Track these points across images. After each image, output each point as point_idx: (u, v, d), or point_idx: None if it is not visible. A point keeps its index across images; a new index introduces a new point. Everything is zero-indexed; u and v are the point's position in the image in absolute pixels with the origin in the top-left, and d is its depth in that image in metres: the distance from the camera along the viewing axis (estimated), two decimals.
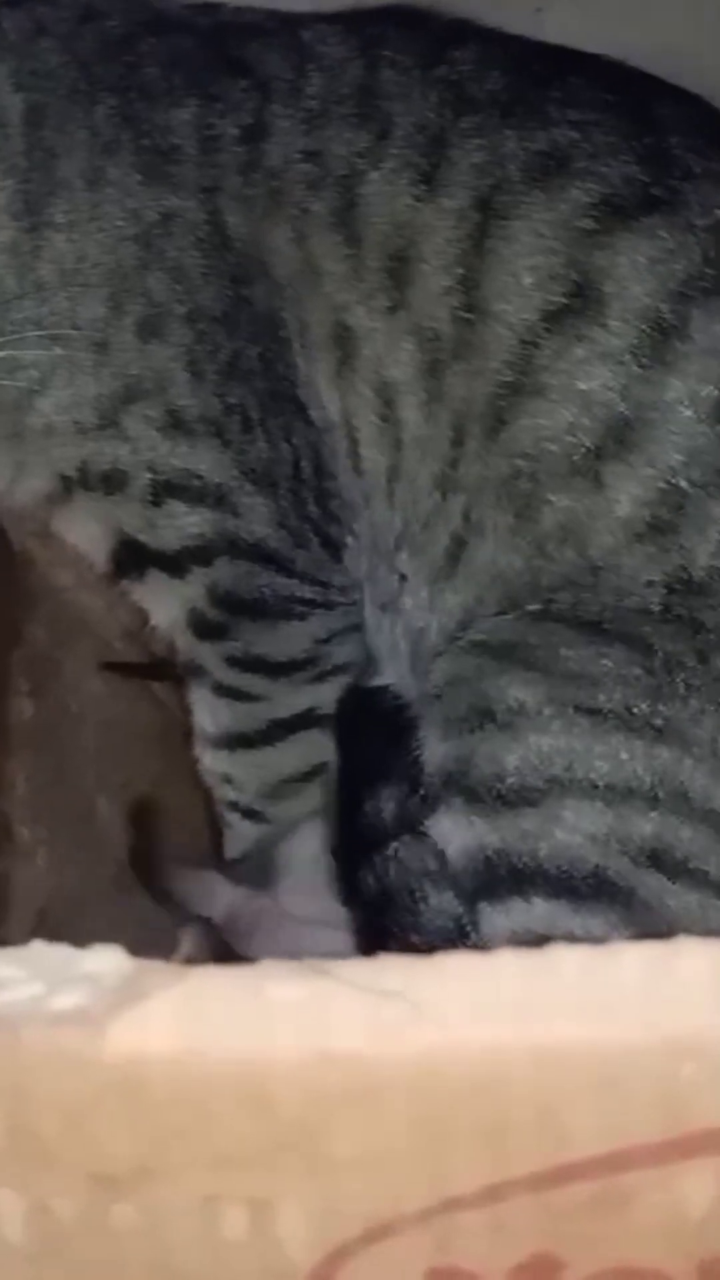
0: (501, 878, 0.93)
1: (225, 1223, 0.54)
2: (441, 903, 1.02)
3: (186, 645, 1.10)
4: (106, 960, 0.52)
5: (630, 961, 0.51)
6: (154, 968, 0.52)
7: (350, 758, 1.09)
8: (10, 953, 0.52)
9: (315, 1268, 0.55)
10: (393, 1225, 0.54)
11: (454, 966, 0.52)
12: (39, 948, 0.53)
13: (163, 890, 1.11)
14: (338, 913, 1.08)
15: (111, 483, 1.07)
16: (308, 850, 1.12)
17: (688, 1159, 0.52)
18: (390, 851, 1.05)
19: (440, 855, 0.98)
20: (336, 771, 1.10)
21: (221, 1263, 0.55)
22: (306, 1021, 0.51)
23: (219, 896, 1.11)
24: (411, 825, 1.02)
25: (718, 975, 0.51)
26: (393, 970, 0.52)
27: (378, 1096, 0.52)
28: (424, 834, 0.99)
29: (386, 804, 1.05)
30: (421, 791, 0.98)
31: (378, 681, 1.11)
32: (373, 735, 1.07)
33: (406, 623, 1.07)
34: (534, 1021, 0.51)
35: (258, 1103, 0.52)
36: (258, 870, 1.12)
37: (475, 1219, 0.53)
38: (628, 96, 1.05)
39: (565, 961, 0.51)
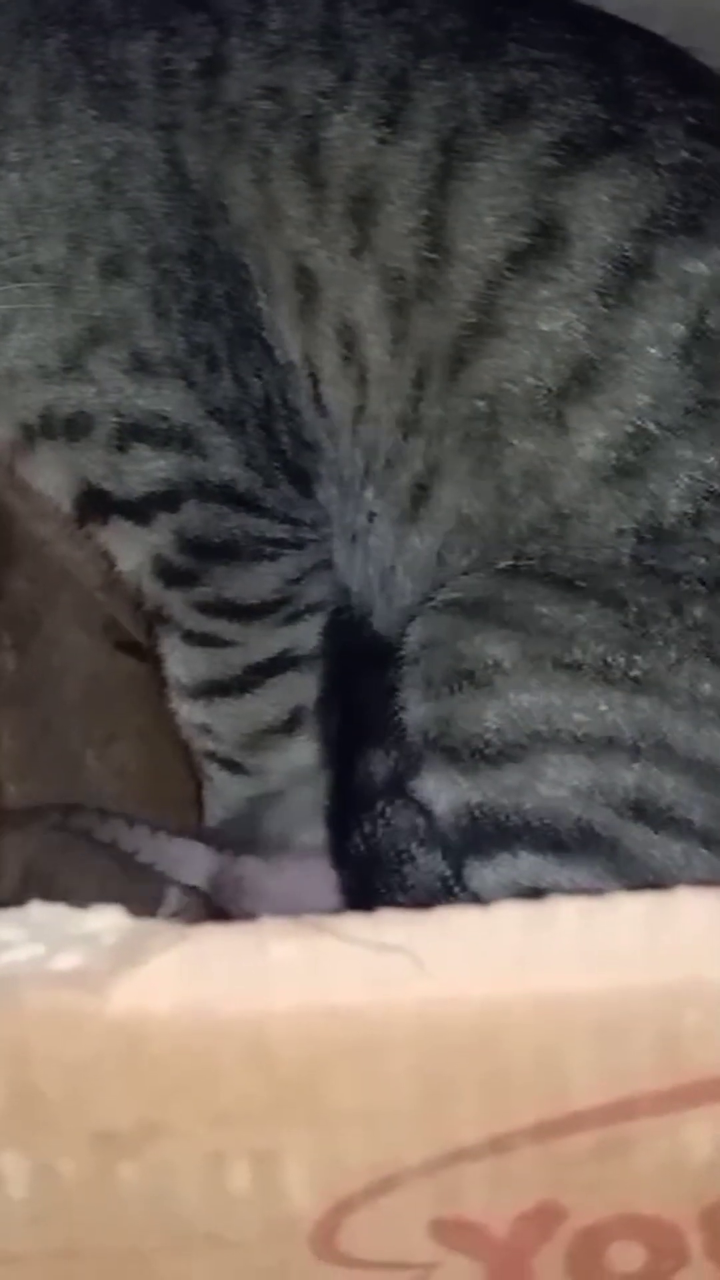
0: (487, 833, 0.93)
1: (230, 1178, 0.55)
2: (429, 863, 1.02)
3: (153, 592, 1.09)
4: (106, 920, 0.52)
5: (630, 911, 0.51)
6: (154, 927, 0.52)
7: (347, 718, 1.09)
8: (9, 914, 0.52)
9: (320, 1220, 0.55)
10: (396, 1177, 0.54)
11: (454, 919, 0.52)
12: (38, 909, 0.52)
13: (138, 862, 1.10)
14: (327, 875, 1.08)
15: (75, 428, 1.06)
16: (296, 814, 1.11)
17: (690, 1107, 0.52)
18: (378, 813, 1.05)
19: (427, 816, 0.98)
20: (333, 732, 1.09)
21: (226, 1218, 0.56)
22: (308, 977, 0.51)
23: (199, 862, 1.10)
24: (401, 786, 1.02)
25: (717, 923, 0.51)
26: (393, 924, 0.52)
27: (380, 1050, 0.52)
28: (412, 795, 0.99)
29: (378, 765, 1.05)
30: (406, 752, 0.97)
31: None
32: (368, 694, 1.07)
33: (374, 560, 1.07)
34: (535, 972, 0.51)
35: (260, 1058, 0.52)
36: (243, 834, 1.12)
37: (479, 1170, 0.54)
38: (587, 36, 1.04)
39: (565, 912, 0.52)
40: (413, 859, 1.04)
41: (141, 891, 1.02)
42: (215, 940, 0.52)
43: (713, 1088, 0.52)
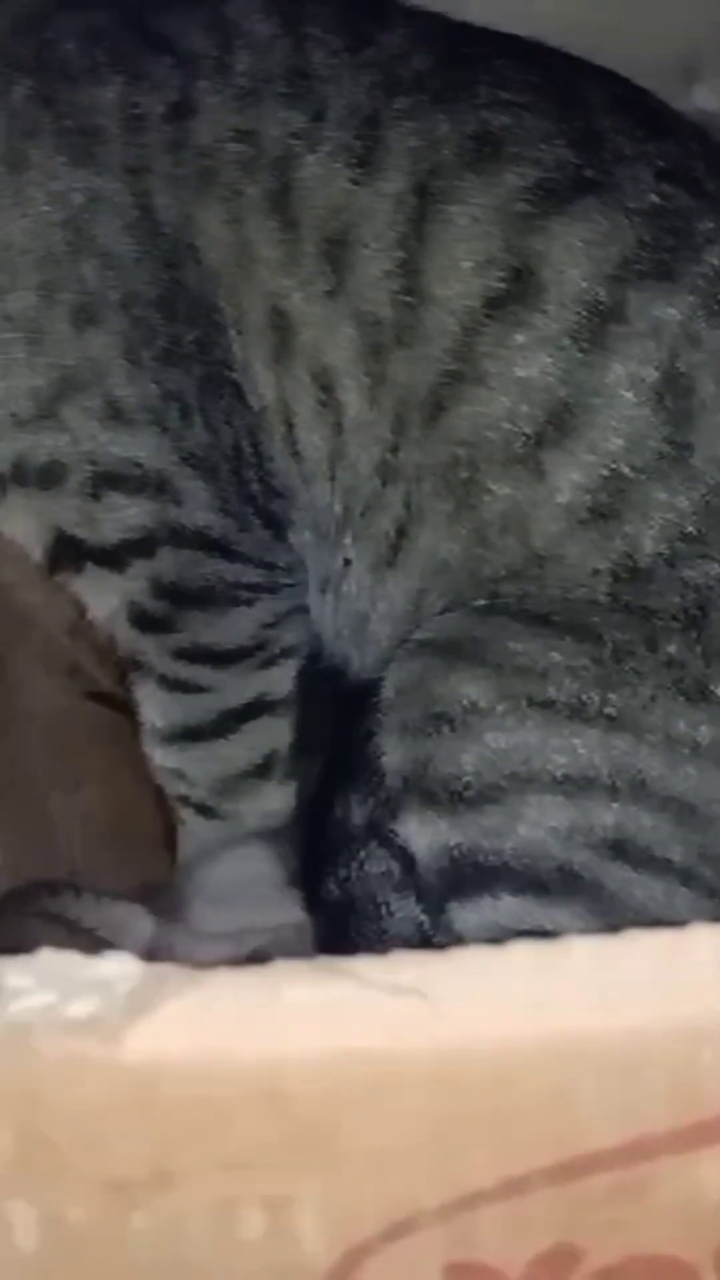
0: (468, 875, 0.94)
1: (242, 1225, 0.54)
2: (404, 909, 1.02)
3: (127, 638, 1.09)
4: (118, 966, 0.52)
5: (642, 950, 0.51)
6: (167, 972, 0.52)
7: (325, 762, 1.08)
8: (20, 961, 0.52)
9: (333, 1267, 0.55)
10: (411, 1222, 0.54)
11: (467, 960, 0.52)
12: (48, 955, 0.52)
13: (74, 924, 1.08)
14: (262, 917, 1.07)
15: (49, 476, 1.05)
16: (224, 871, 1.10)
17: (705, 1146, 0.52)
18: (354, 857, 1.04)
19: (403, 862, 0.98)
20: (310, 776, 1.09)
21: (238, 1265, 0.55)
22: (322, 1020, 0.51)
23: (136, 930, 1.09)
24: (378, 832, 1.02)
25: None
26: (407, 966, 0.52)
27: (395, 1093, 0.52)
28: (391, 840, 0.99)
29: (355, 809, 1.05)
30: (385, 796, 0.97)
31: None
32: (345, 739, 1.07)
33: (349, 606, 1.07)
34: (547, 1012, 0.51)
35: (275, 1103, 0.52)
36: (168, 901, 1.11)
37: (494, 1212, 0.54)
38: (555, 78, 1.05)
39: (577, 952, 0.52)
40: (388, 905, 1.04)
41: None
42: (228, 985, 0.52)
43: None
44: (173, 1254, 0.55)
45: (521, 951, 0.52)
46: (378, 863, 1.04)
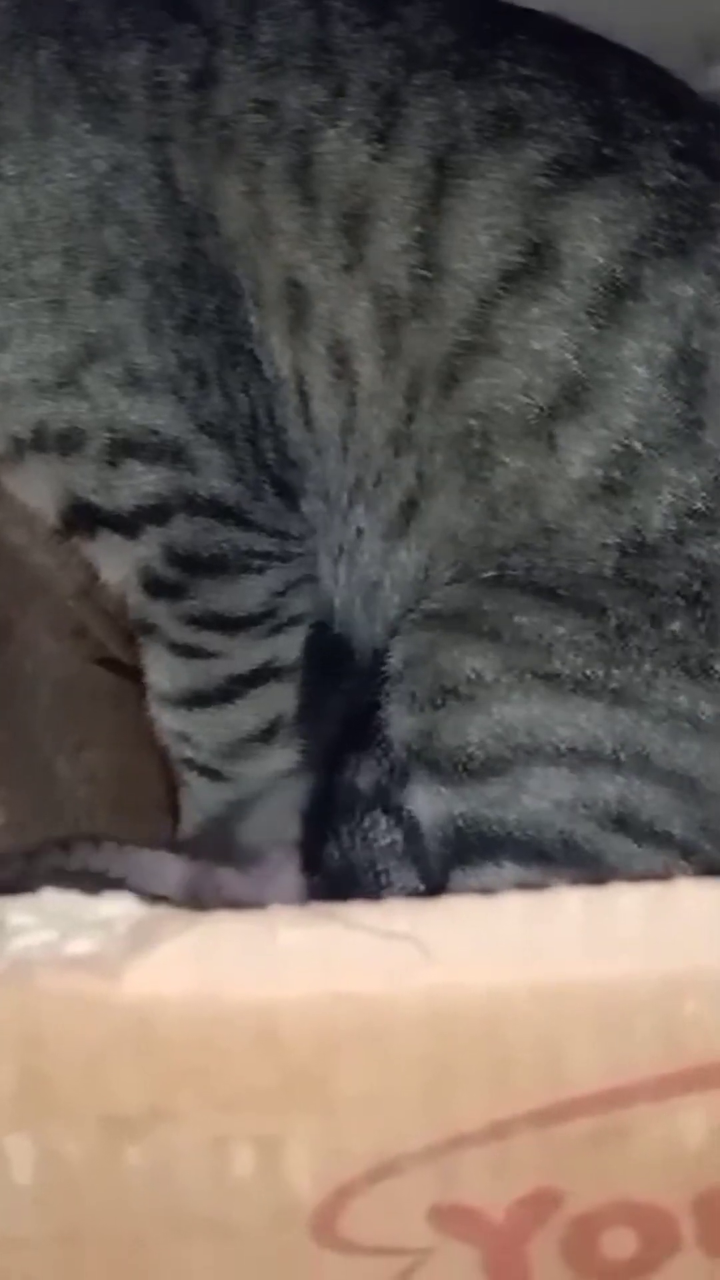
0: (472, 845, 0.94)
1: (233, 1164, 0.55)
2: (404, 880, 1.03)
3: (138, 604, 1.10)
4: (119, 906, 0.53)
5: (631, 902, 0.52)
6: (166, 913, 0.53)
7: (345, 727, 1.09)
8: (23, 900, 0.53)
9: (320, 1206, 0.56)
10: (397, 1163, 0.55)
11: (460, 908, 0.53)
12: (50, 895, 0.53)
13: (109, 879, 1.09)
14: (298, 885, 1.08)
15: (67, 443, 1.06)
16: (269, 823, 1.11)
17: (687, 1094, 0.54)
18: (357, 824, 1.05)
19: (406, 833, 0.99)
20: (320, 740, 1.10)
21: (228, 1203, 0.56)
22: (317, 963, 0.52)
23: (171, 872, 1.10)
24: (384, 799, 1.02)
25: (715, 914, 0.52)
26: (401, 913, 0.53)
27: (385, 1036, 0.53)
28: (397, 811, 0.99)
29: (364, 774, 1.05)
30: (390, 766, 0.98)
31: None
32: (354, 705, 1.07)
33: (360, 575, 1.08)
34: (537, 961, 0.52)
35: (268, 1044, 0.53)
36: (216, 842, 1.12)
37: (479, 1155, 0.55)
38: (575, 55, 1.06)
39: (568, 902, 0.53)
40: (388, 874, 1.05)
41: None
42: (226, 927, 0.53)
43: (710, 1075, 0.53)
44: (166, 1190, 0.56)
45: (513, 901, 0.53)
46: (382, 832, 1.05)
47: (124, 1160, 0.55)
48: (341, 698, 1.11)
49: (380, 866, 1.05)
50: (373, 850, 1.05)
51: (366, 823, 1.06)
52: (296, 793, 1.11)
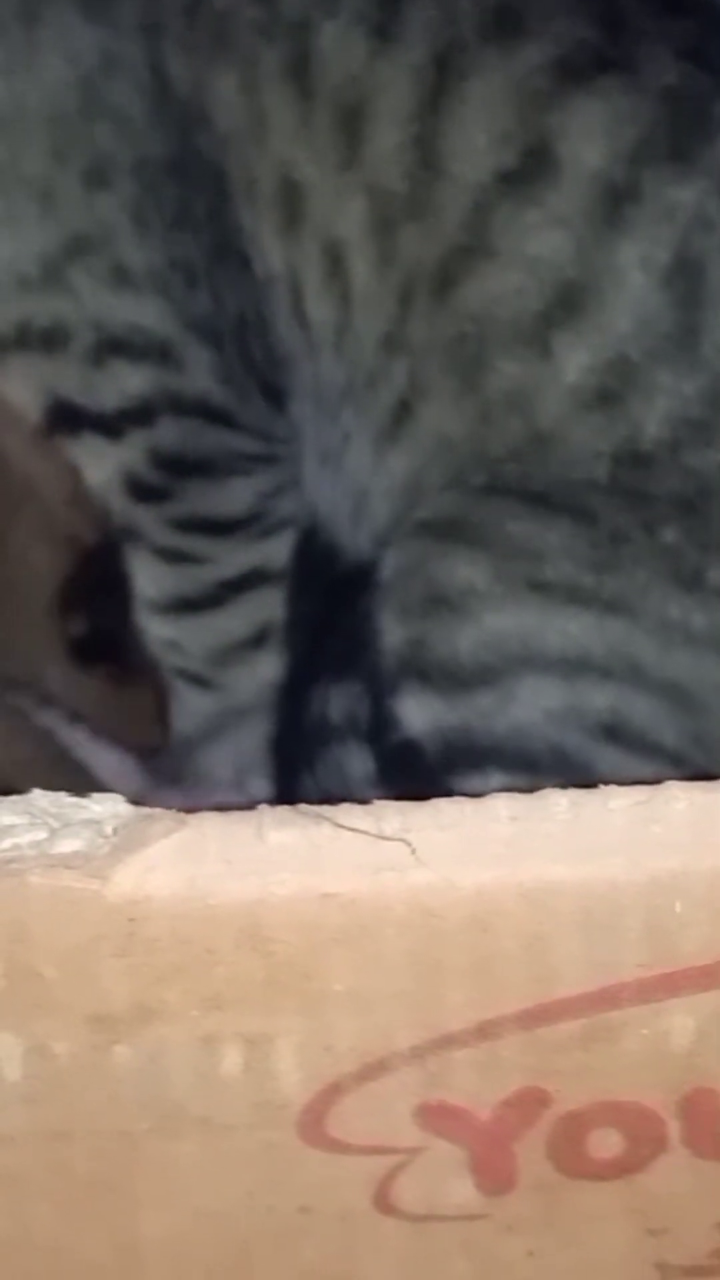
0: (461, 754, 0.94)
1: (221, 1062, 0.56)
2: None
3: (123, 509, 1.08)
4: (108, 806, 0.53)
5: (620, 803, 0.52)
6: (155, 814, 0.53)
7: (310, 649, 1.08)
8: (12, 800, 0.53)
9: (308, 1104, 0.57)
10: (385, 1062, 0.55)
11: (448, 809, 0.53)
12: (40, 795, 0.53)
13: (70, 758, 1.09)
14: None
15: (52, 341, 1.05)
16: (231, 752, 1.11)
17: (673, 995, 0.54)
18: (331, 755, 1.05)
19: (386, 759, 0.98)
20: (291, 662, 1.10)
21: (216, 1101, 0.57)
22: (304, 863, 0.52)
23: (128, 780, 1.10)
24: (360, 728, 1.02)
25: (704, 816, 0.52)
26: (389, 814, 0.53)
27: (374, 936, 0.53)
28: (373, 737, 0.99)
29: (336, 700, 1.05)
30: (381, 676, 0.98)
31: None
32: (330, 624, 1.06)
33: (348, 481, 1.07)
34: (524, 862, 0.52)
35: (256, 943, 0.53)
36: (172, 767, 1.12)
37: (466, 1055, 0.55)
38: None
39: (556, 803, 0.53)
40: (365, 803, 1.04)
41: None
42: (214, 826, 0.53)
43: (695, 977, 0.53)
44: (154, 1088, 0.56)
45: (501, 802, 0.53)
46: (356, 761, 1.04)
47: (112, 1058, 0.56)
48: (318, 603, 1.10)
49: (356, 797, 1.04)
50: (347, 781, 1.04)
51: (339, 751, 1.05)
52: (268, 725, 1.10)
